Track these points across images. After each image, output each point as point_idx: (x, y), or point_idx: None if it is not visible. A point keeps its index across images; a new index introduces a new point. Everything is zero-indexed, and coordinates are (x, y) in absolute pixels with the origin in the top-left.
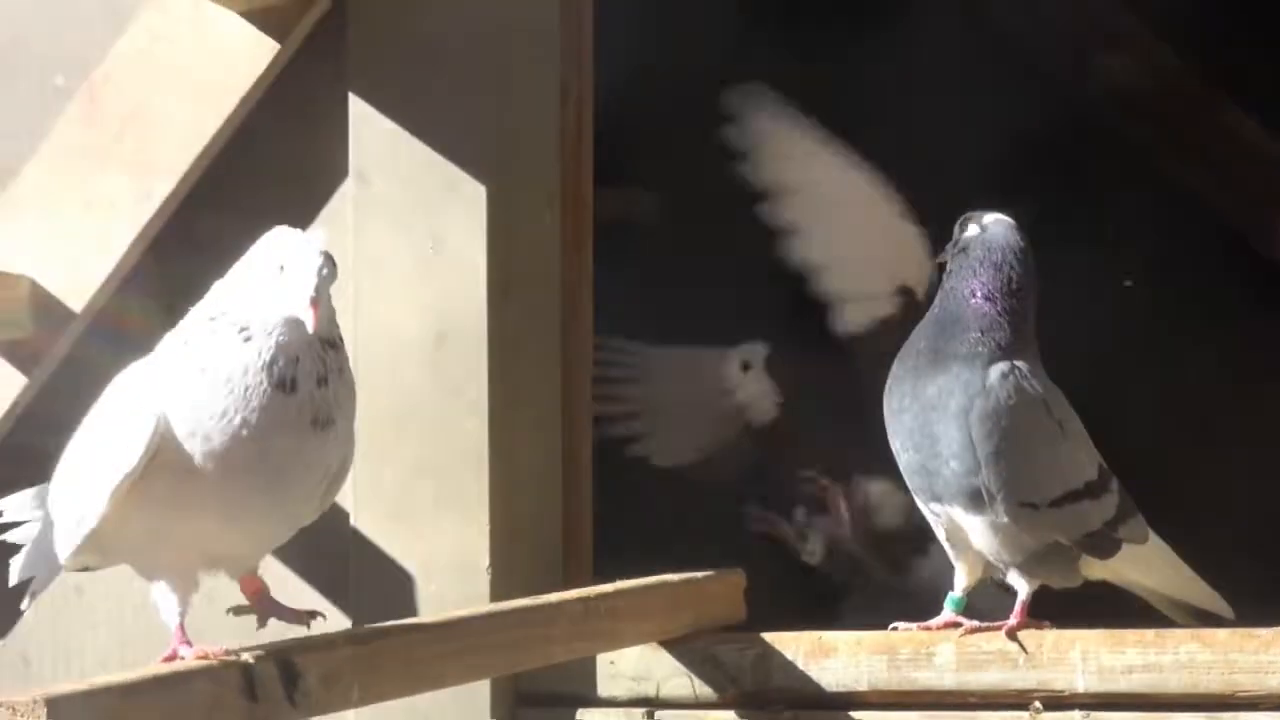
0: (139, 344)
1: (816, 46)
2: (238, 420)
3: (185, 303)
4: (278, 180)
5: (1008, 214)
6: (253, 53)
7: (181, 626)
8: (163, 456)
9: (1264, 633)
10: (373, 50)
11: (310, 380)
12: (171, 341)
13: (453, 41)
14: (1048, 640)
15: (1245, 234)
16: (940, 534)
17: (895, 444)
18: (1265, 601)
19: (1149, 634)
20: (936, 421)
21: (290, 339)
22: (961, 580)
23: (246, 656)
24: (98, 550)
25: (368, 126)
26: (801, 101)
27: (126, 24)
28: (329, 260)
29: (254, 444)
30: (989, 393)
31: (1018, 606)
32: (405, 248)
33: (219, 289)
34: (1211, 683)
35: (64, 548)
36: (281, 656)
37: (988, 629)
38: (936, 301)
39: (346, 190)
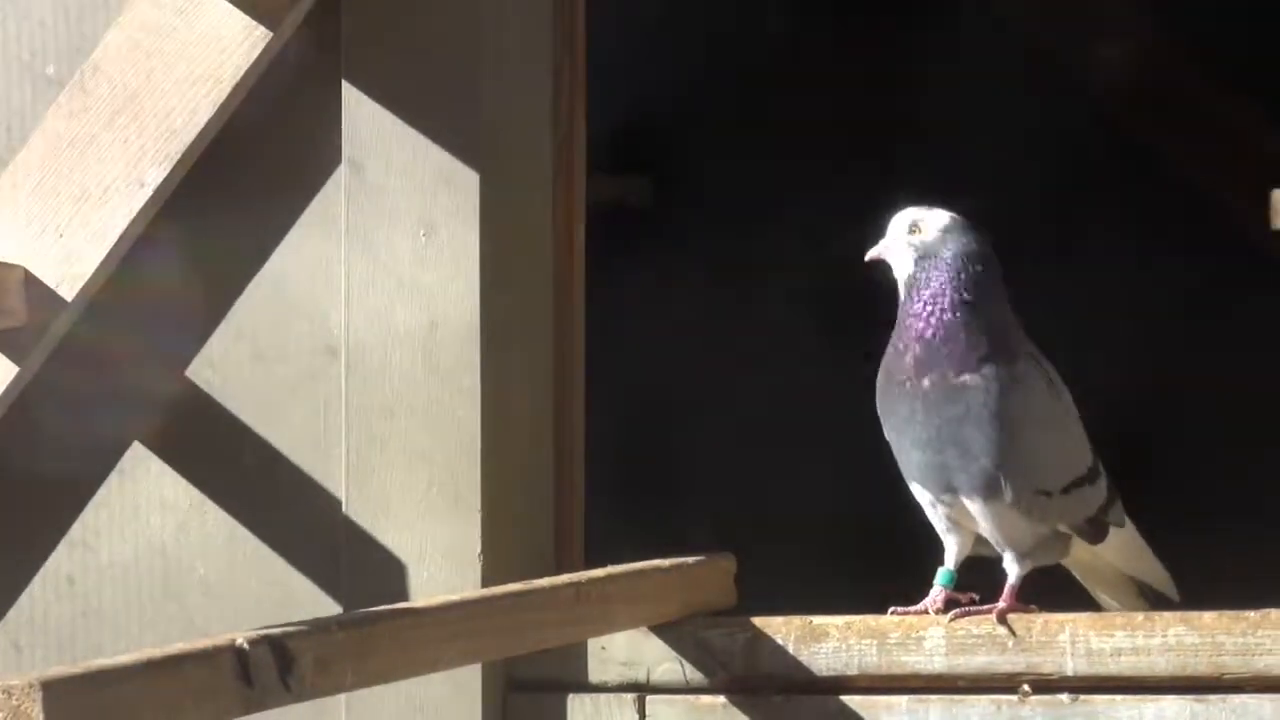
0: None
1: (817, 39)
2: None
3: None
4: (270, 168)
5: (949, 210)
6: (245, 41)
7: None
8: None
9: (1251, 615)
10: (366, 38)
11: None
12: None
13: (446, 28)
14: (1037, 624)
15: (1244, 224)
16: (931, 512)
17: (899, 445)
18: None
19: (1137, 617)
20: (966, 430)
21: None
22: (952, 555)
23: (241, 641)
24: None
25: (361, 114)
26: (805, 96)
27: (118, 14)
28: None
29: None
30: (1018, 392)
31: (1007, 590)
32: (398, 236)
33: None
34: (1199, 665)
35: None
36: (276, 641)
37: (977, 613)
38: (918, 313)
39: (339, 178)
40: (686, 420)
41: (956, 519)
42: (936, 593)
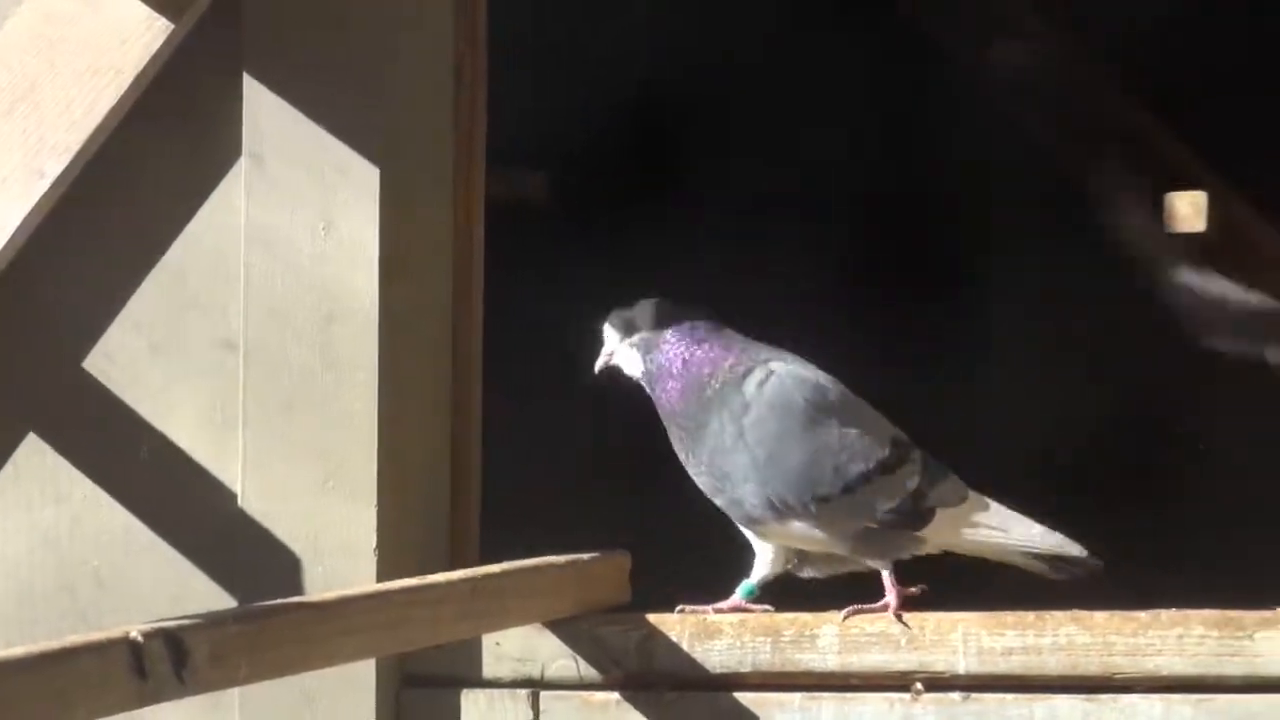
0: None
1: (721, 32)
2: None
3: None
4: (170, 160)
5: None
6: (147, 32)
7: None
8: None
9: (1142, 615)
10: (267, 30)
11: None
12: None
13: (347, 22)
14: (930, 622)
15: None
16: (749, 534)
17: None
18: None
19: (1029, 616)
20: (723, 462)
21: None
22: (762, 569)
23: (135, 634)
24: None
25: (261, 107)
26: (702, 91)
27: (18, 2)
28: None
29: None
30: (750, 407)
31: (886, 584)
32: (297, 228)
33: None
34: (1090, 665)
35: None
36: (170, 634)
37: (871, 610)
38: (661, 396)
39: (239, 171)
40: None
41: (771, 537)
42: (732, 599)
